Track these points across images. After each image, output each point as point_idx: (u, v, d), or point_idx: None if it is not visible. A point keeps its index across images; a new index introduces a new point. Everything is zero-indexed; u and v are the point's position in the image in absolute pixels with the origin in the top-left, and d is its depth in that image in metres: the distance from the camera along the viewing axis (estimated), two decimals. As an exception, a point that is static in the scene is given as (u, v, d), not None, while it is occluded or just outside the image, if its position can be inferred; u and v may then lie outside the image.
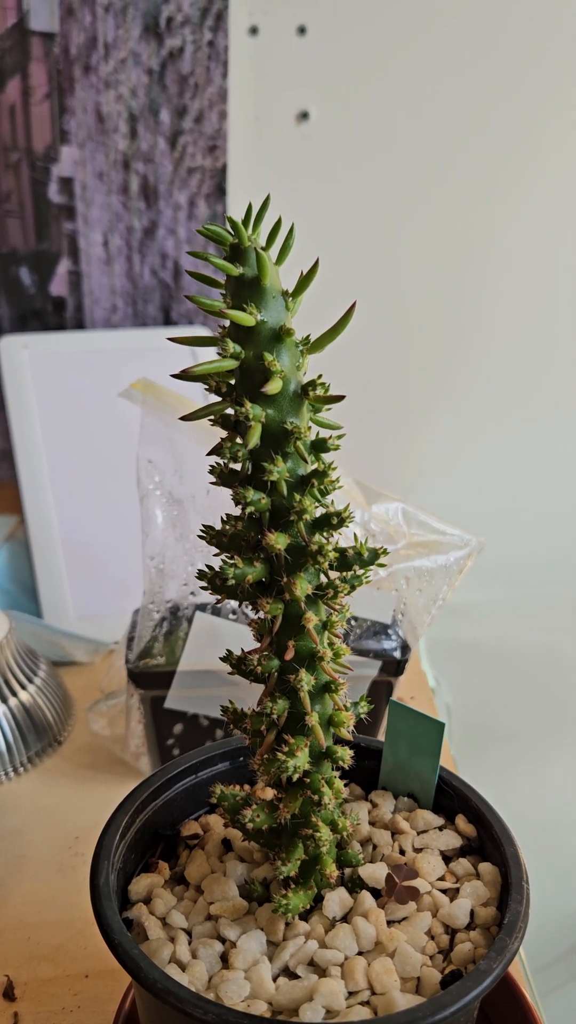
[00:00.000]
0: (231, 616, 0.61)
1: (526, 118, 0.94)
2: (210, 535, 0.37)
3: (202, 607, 0.61)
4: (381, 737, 0.61)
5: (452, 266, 0.99)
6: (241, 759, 0.46)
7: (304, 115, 0.94)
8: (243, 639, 0.60)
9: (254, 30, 0.91)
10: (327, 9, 0.90)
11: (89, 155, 0.94)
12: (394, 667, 0.62)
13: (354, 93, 0.93)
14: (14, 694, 0.67)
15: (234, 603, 0.62)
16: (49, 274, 0.98)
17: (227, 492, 0.36)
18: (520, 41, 0.91)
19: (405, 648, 0.62)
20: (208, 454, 0.35)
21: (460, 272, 0.99)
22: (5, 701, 0.66)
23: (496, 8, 0.90)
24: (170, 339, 0.34)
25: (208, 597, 0.62)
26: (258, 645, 0.37)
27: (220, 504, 0.60)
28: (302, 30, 0.91)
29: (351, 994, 0.35)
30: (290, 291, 0.35)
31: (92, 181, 0.95)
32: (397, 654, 0.62)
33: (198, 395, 0.88)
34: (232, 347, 0.34)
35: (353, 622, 0.62)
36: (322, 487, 0.35)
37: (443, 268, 0.99)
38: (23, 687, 0.67)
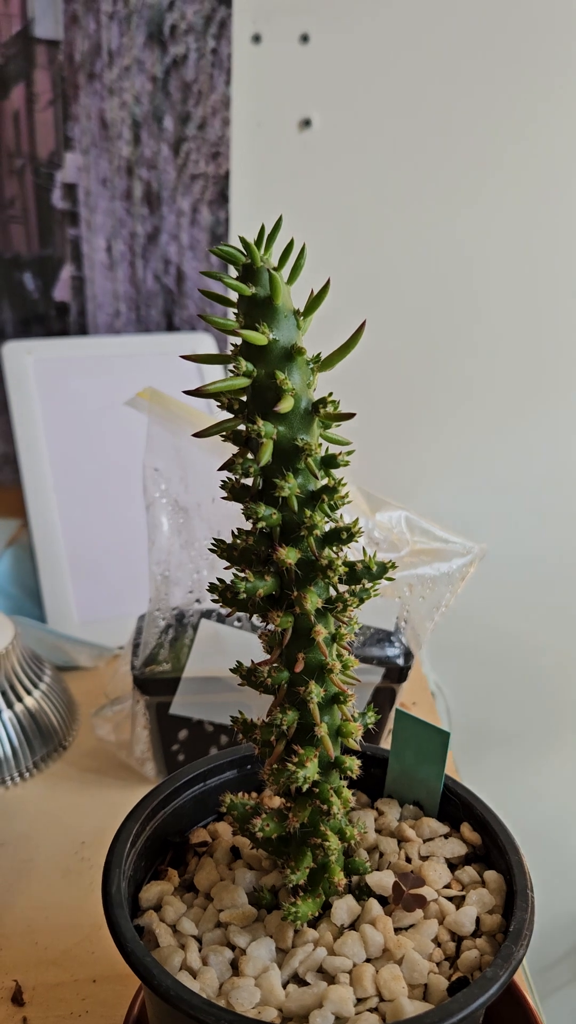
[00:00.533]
0: (236, 623, 0.62)
1: (530, 126, 0.94)
2: (221, 549, 0.38)
3: (207, 614, 0.62)
4: (384, 743, 0.62)
5: (455, 271, 1.00)
6: (249, 767, 0.46)
7: (306, 122, 0.94)
8: (248, 646, 0.60)
9: (257, 38, 0.91)
10: (329, 17, 0.91)
11: (93, 161, 0.94)
12: (397, 674, 0.62)
13: (356, 100, 0.94)
14: (19, 699, 0.67)
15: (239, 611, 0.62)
16: (52, 279, 0.98)
17: (243, 515, 0.36)
18: (523, 49, 0.92)
19: (408, 655, 0.63)
20: (220, 469, 0.36)
21: (463, 278, 1.00)
22: (10, 706, 0.66)
23: (498, 16, 0.90)
24: (183, 357, 0.35)
25: (213, 604, 0.62)
26: (267, 656, 0.38)
27: (226, 513, 0.61)
28: (305, 38, 0.91)
29: (360, 1001, 0.36)
30: (301, 310, 0.35)
31: (96, 187, 0.95)
32: (400, 661, 0.62)
33: (204, 405, 0.88)
34: (245, 366, 0.34)
35: (357, 630, 0.63)
36: (332, 502, 0.36)
37: (446, 273, 1.00)
38: (28, 692, 0.68)
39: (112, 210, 0.96)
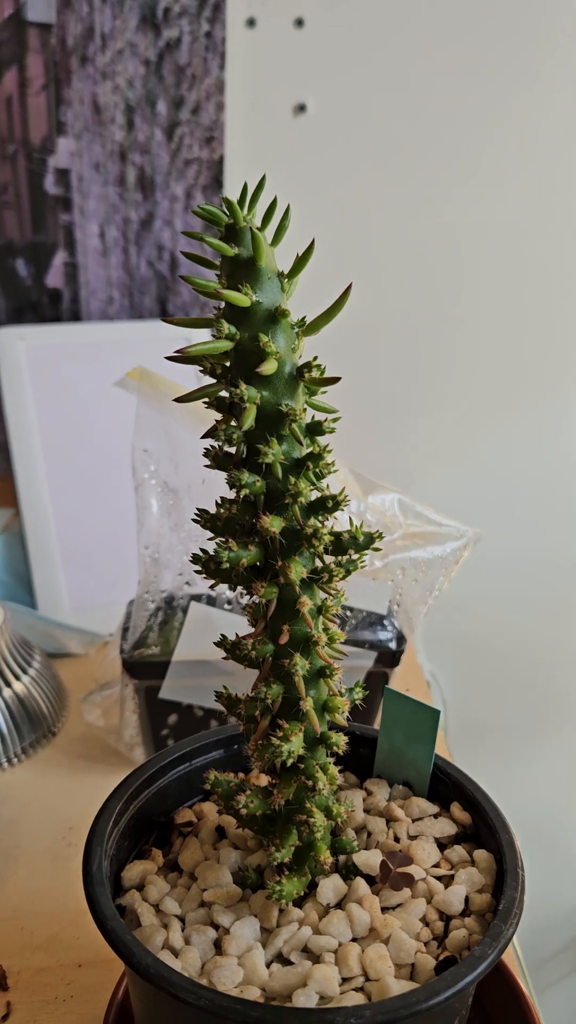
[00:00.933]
0: (226, 606, 0.61)
1: (525, 110, 0.94)
2: (204, 519, 0.37)
3: (197, 597, 0.61)
4: (376, 727, 0.61)
5: (450, 257, 0.99)
6: (235, 747, 0.46)
7: (301, 107, 0.93)
8: (238, 629, 0.59)
9: (252, 22, 0.90)
10: (325, 1, 0.90)
11: (86, 146, 0.93)
12: (390, 658, 0.61)
13: (351, 85, 0.93)
14: (8, 685, 0.66)
15: (230, 593, 0.61)
16: (45, 266, 0.98)
17: (223, 482, 0.36)
18: (520, 33, 0.91)
19: (401, 639, 0.62)
20: (203, 437, 0.35)
21: (458, 264, 0.99)
22: (-1, 692, 0.66)
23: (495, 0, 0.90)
24: (164, 320, 0.34)
25: (203, 587, 0.62)
26: (252, 630, 0.37)
27: (216, 493, 0.60)
28: (300, 22, 0.91)
29: (345, 980, 0.35)
30: (285, 272, 0.35)
31: (89, 172, 0.94)
32: (393, 645, 0.61)
33: (193, 383, 0.87)
34: (227, 328, 0.33)
35: (349, 612, 0.62)
36: (317, 470, 0.35)
37: (441, 259, 0.99)
38: (17, 678, 0.67)
39: (105, 195, 0.95)
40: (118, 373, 0.63)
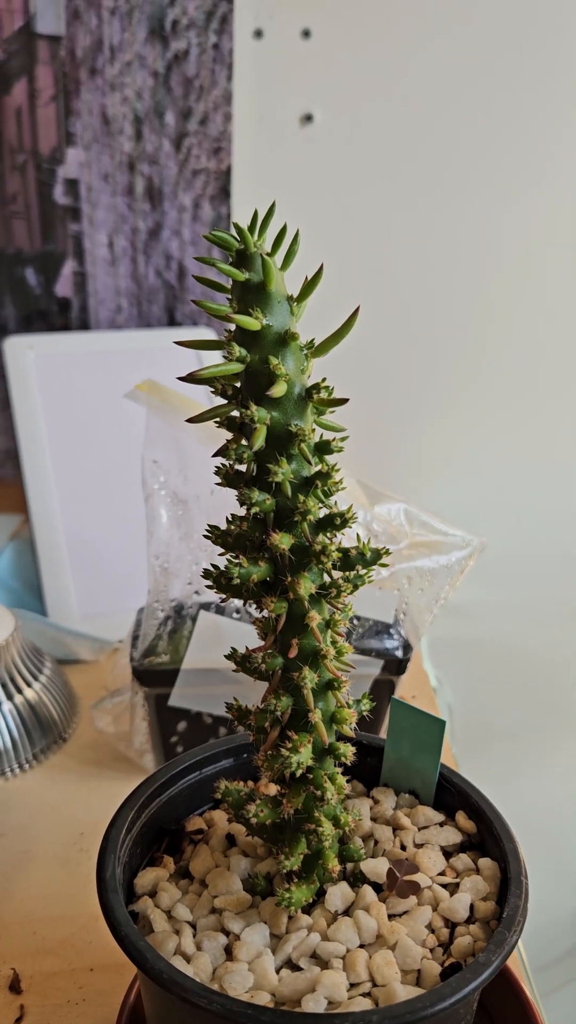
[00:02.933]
0: (235, 615, 0.62)
1: (533, 123, 0.94)
2: (215, 535, 0.38)
3: (206, 606, 0.62)
4: (383, 735, 0.62)
5: (455, 269, 1.00)
6: (245, 755, 0.46)
7: (308, 118, 0.94)
8: (247, 638, 0.60)
9: (259, 33, 0.91)
10: (331, 12, 0.91)
11: (95, 157, 0.94)
12: (396, 666, 0.62)
13: (358, 96, 0.94)
14: (19, 691, 0.67)
15: (238, 602, 0.62)
16: (54, 275, 0.99)
17: (231, 492, 0.37)
18: (526, 44, 0.92)
19: (407, 647, 0.63)
20: (214, 455, 0.36)
21: (463, 275, 1.00)
22: (11, 698, 0.67)
23: (502, 10, 0.90)
24: (177, 343, 0.35)
25: (212, 596, 0.63)
26: (262, 643, 0.38)
27: (224, 504, 0.61)
28: (306, 33, 0.92)
29: (353, 986, 0.36)
30: (295, 296, 0.35)
31: (97, 183, 0.95)
32: (399, 653, 0.62)
33: (202, 396, 0.88)
34: (238, 351, 0.34)
35: (355, 621, 0.63)
36: (326, 488, 0.36)
37: (446, 271, 1.00)
38: (28, 684, 0.68)
39: (114, 206, 0.96)
40: (127, 381, 0.64)
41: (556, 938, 1.18)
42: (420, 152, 0.96)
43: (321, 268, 0.35)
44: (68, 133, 0.94)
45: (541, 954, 1.17)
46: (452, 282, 1.00)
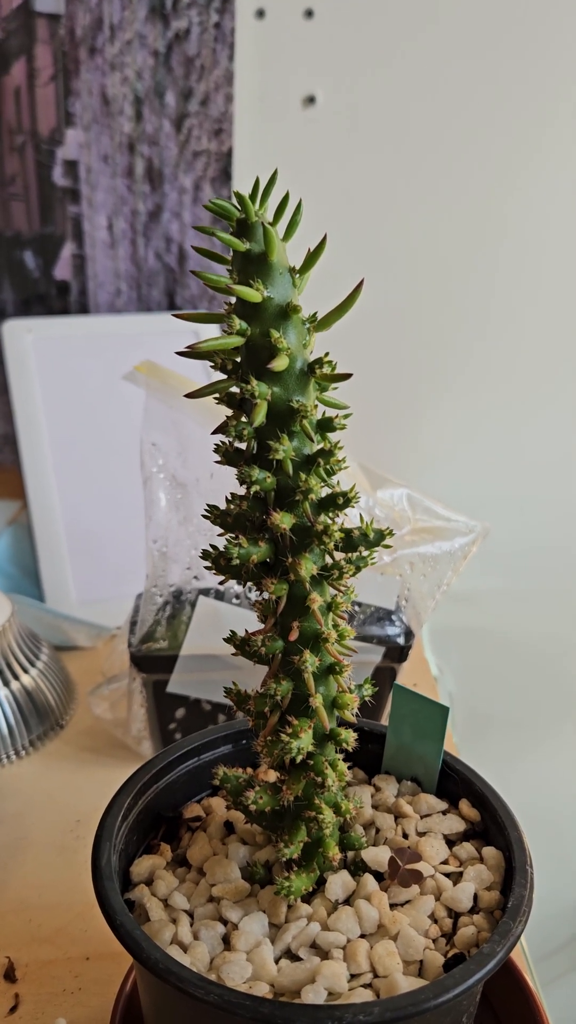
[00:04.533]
0: (234, 601, 0.61)
1: (537, 101, 0.93)
2: (214, 515, 0.37)
3: (205, 591, 0.61)
4: (384, 723, 0.61)
5: (460, 252, 0.98)
6: (244, 742, 0.46)
7: (311, 99, 0.93)
8: (246, 623, 0.59)
9: (261, 12, 0.90)
10: (335, -9, 0.89)
11: (94, 138, 0.93)
12: (398, 653, 0.61)
13: (361, 77, 0.92)
14: (16, 678, 0.66)
15: (238, 588, 0.61)
16: (53, 258, 0.98)
17: (231, 476, 0.35)
18: (531, 23, 0.90)
19: (409, 634, 0.62)
20: (213, 432, 0.35)
21: (468, 259, 0.99)
22: (7, 684, 0.66)
23: (505, -9, 0.89)
24: (175, 315, 0.34)
25: (212, 581, 0.62)
26: (262, 626, 0.37)
27: (224, 487, 0.60)
28: (309, 13, 0.90)
29: (353, 976, 0.35)
30: (297, 268, 0.34)
31: (97, 164, 0.94)
32: (401, 640, 0.61)
33: (202, 377, 0.87)
34: (238, 324, 0.33)
35: (357, 608, 0.62)
36: (328, 467, 0.35)
37: (451, 254, 0.98)
38: (25, 671, 0.67)
39: (113, 187, 0.95)
40: (126, 366, 0.63)
41: (557, 927, 1.17)
42: (423, 133, 0.94)
43: (324, 239, 0.34)
44: (67, 113, 0.92)
45: (543, 943, 1.17)
46: (457, 265, 0.99)
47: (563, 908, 1.18)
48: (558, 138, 0.94)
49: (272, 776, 0.41)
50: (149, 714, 0.63)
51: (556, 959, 1.17)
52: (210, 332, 0.93)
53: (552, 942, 1.17)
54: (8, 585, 0.83)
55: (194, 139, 0.93)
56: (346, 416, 0.35)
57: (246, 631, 0.37)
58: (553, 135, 0.94)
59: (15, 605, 0.69)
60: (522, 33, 0.91)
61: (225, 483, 0.57)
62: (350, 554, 0.37)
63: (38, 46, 0.90)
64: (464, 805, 0.42)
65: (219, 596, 0.61)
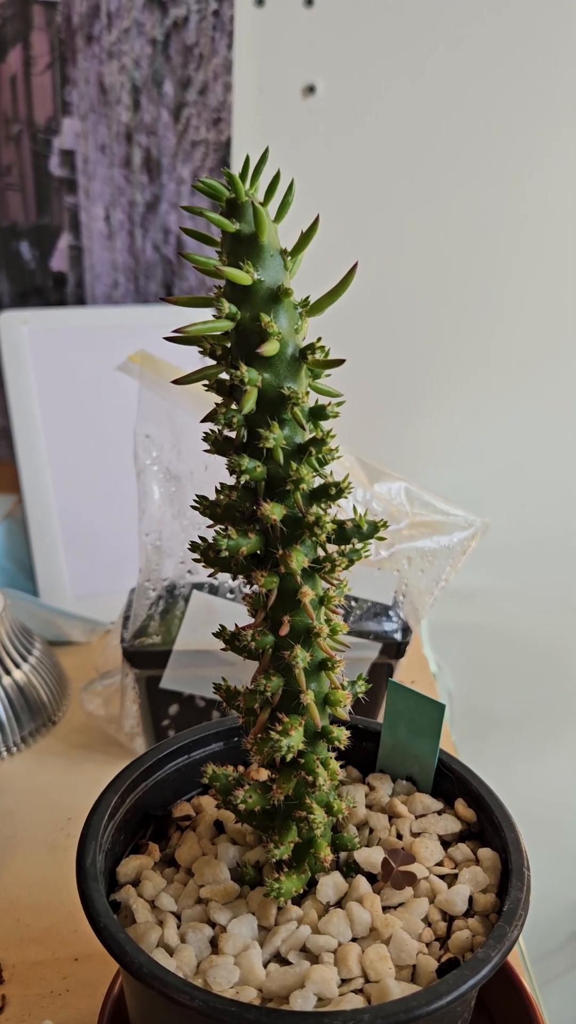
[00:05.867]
0: (228, 595, 0.60)
1: (539, 90, 0.92)
2: (204, 505, 0.36)
3: (199, 586, 0.60)
4: (380, 720, 0.60)
5: (461, 240, 0.97)
6: (235, 739, 0.45)
7: (310, 88, 0.92)
8: (240, 618, 0.58)
9: (260, 0, 0.89)
10: (335, -21, 0.88)
11: (91, 127, 0.92)
12: (395, 649, 0.60)
13: (361, 66, 0.91)
14: (8, 673, 0.65)
15: (232, 582, 0.60)
16: (50, 249, 0.96)
17: (226, 468, 0.34)
18: (533, 14, 0.89)
19: (406, 630, 0.61)
20: (202, 420, 0.34)
21: (469, 247, 0.98)
22: (-1, 680, 0.65)
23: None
24: (164, 299, 0.33)
25: (205, 575, 0.61)
26: (252, 621, 0.36)
27: (219, 480, 0.59)
28: (309, 1, 0.89)
29: (344, 981, 0.34)
30: (289, 250, 0.33)
31: (94, 154, 0.93)
32: (398, 636, 0.60)
33: (196, 367, 0.86)
34: (228, 307, 0.32)
35: (353, 603, 0.61)
36: (320, 456, 0.34)
37: (451, 242, 0.97)
38: (17, 666, 0.66)
39: (111, 177, 0.94)
40: (122, 358, 0.62)
41: (554, 927, 1.16)
42: (423, 122, 0.93)
43: (317, 220, 0.33)
44: (64, 102, 0.91)
45: (539, 943, 1.16)
46: (457, 254, 0.98)
47: (561, 907, 1.17)
48: (561, 126, 0.93)
49: (263, 775, 0.40)
50: (142, 710, 0.62)
51: (554, 959, 1.16)
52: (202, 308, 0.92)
53: (550, 942, 1.16)
54: (2, 579, 0.82)
55: (192, 129, 0.92)
56: (339, 404, 0.34)
57: (236, 625, 0.36)
58: (556, 123, 0.93)
59: (8, 599, 0.68)
60: (526, 22, 0.89)
61: (220, 476, 0.56)
62: (343, 546, 0.36)
63: (34, 33, 0.89)
64: (460, 805, 0.41)
65: (213, 590, 0.60)
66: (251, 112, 0.92)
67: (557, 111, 0.93)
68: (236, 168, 0.88)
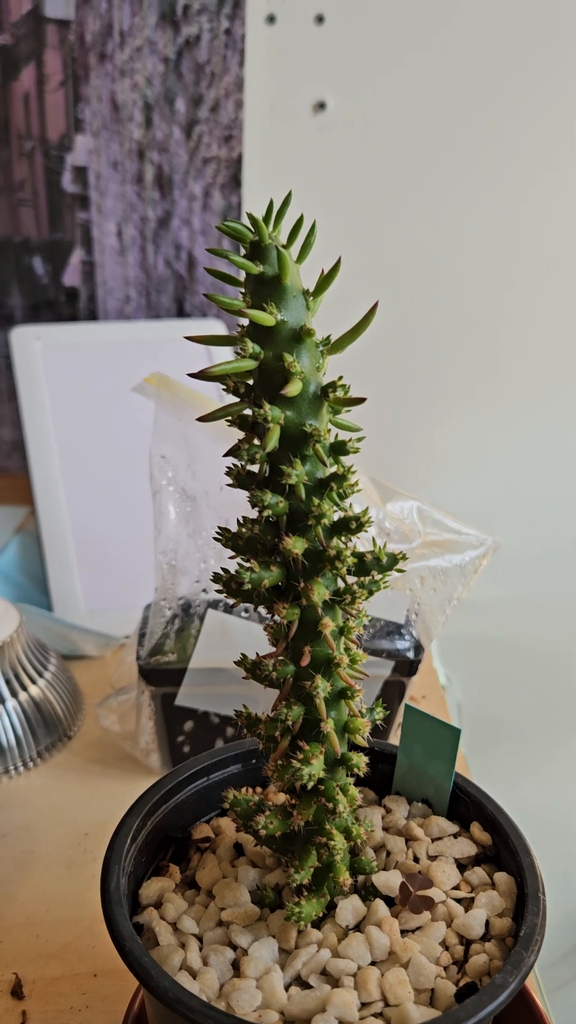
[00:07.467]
0: (243, 614, 0.60)
1: (550, 109, 0.92)
2: (226, 537, 0.36)
3: (214, 604, 0.61)
4: (393, 738, 0.61)
5: (472, 261, 0.98)
6: (253, 761, 0.45)
7: (321, 105, 0.92)
8: (255, 637, 0.59)
9: (271, 18, 0.90)
10: (346, -3, 0.89)
11: (104, 144, 0.93)
12: (407, 667, 0.61)
13: (372, 83, 0.92)
14: (24, 688, 0.66)
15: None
16: (62, 264, 0.97)
17: (248, 502, 0.35)
18: (543, 29, 0.90)
19: (418, 648, 0.62)
20: (225, 455, 0.35)
21: (480, 268, 0.98)
22: (15, 695, 0.65)
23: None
24: (187, 338, 0.34)
25: (220, 594, 0.61)
26: (273, 649, 0.37)
27: (234, 501, 0.59)
28: (320, 19, 0.90)
29: (364, 1005, 0.34)
30: (310, 290, 0.34)
31: (106, 170, 0.94)
32: (410, 654, 0.61)
33: (212, 391, 0.87)
34: (251, 347, 0.33)
35: (367, 622, 0.62)
36: (341, 491, 0.35)
37: (462, 263, 0.98)
38: (33, 681, 0.67)
39: (123, 194, 0.95)
40: (135, 373, 0.62)
41: (563, 935, 1.17)
42: (434, 139, 0.94)
43: (339, 262, 0.33)
44: (77, 120, 0.92)
45: (548, 951, 1.16)
46: (466, 275, 0.99)
47: (569, 915, 1.17)
48: (574, 142, 0.94)
49: (282, 797, 0.41)
50: (157, 726, 0.62)
51: (562, 966, 1.16)
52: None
53: (558, 949, 1.17)
54: (16, 594, 0.83)
55: (204, 146, 0.93)
56: (359, 440, 0.35)
57: (257, 654, 0.37)
58: (568, 139, 0.94)
59: (23, 615, 0.69)
60: (535, 36, 0.90)
61: (235, 497, 0.57)
62: (363, 578, 0.36)
63: (48, 52, 0.90)
64: (475, 828, 0.42)
65: (228, 609, 0.60)
66: (262, 129, 0.93)
67: (569, 127, 0.93)
68: (247, 186, 0.88)
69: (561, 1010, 1.15)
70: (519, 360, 1.02)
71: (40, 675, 0.68)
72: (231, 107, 0.92)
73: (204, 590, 0.61)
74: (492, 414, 1.05)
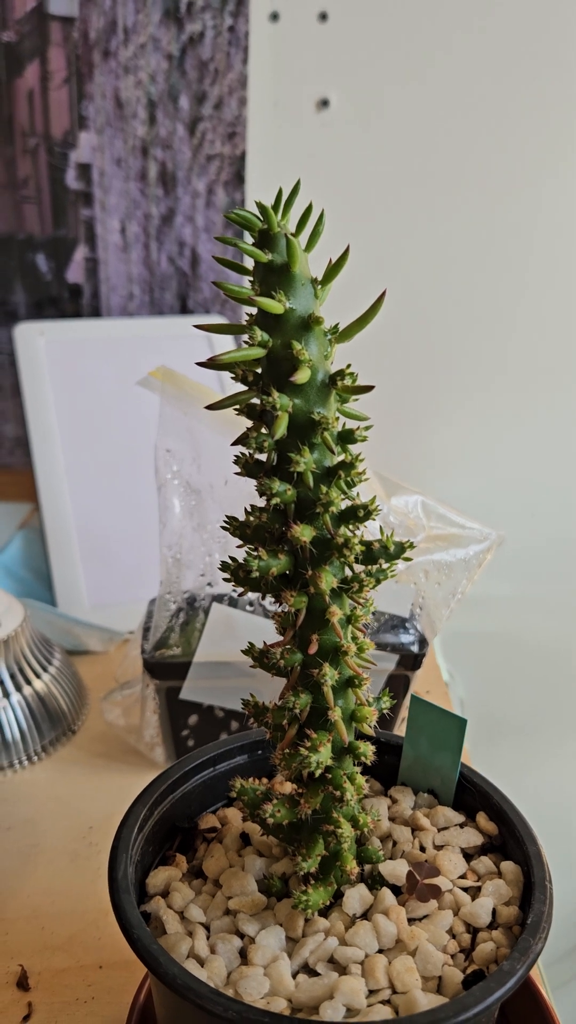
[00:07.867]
0: (248, 608, 0.61)
1: (556, 106, 0.92)
2: (234, 526, 0.37)
3: (219, 598, 0.61)
4: (398, 731, 0.61)
5: (478, 256, 0.98)
6: (260, 752, 0.45)
7: (324, 102, 0.93)
8: (260, 631, 0.59)
9: (275, 16, 0.90)
10: (349, -6, 0.89)
11: (107, 141, 0.93)
12: (411, 661, 0.61)
13: (375, 80, 0.92)
14: (28, 683, 0.66)
15: (252, 594, 0.61)
16: (66, 261, 0.97)
17: (246, 482, 0.35)
18: (549, 26, 0.90)
19: (423, 642, 0.62)
20: (233, 444, 0.35)
21: (486, 263, 0.98)
22: (20, 689, 0.66)
23: (521, -6, 0.89)
24: (196, 326, 0.34)
25: (225, 588, 0.61)
26: (280, 638, 0.37)
27: (239, 494, 0.59)
28: (323, 16, 0.90)
29: (372, 992, 0.35)
30: (318, 279, 0.34)
31: (110, 167, 0.94)
32: (415, 648, 0.61)
33: (217, 384, 0.87)
34: (260, 335, 0.33)
35: (371, 616, 0.62)
36: (348, 479, 0.35)
37: (468, 258, 0.98)
38: (38, 676, 0.67)
39: (126, 191, 0.95)
40: (138, 369, 0.62)
41: (567, 932, 1.17)
42: (439, 137, 0.94)
43: (347, 250, 0.33)
44: (81, 116, 0.92)
45: (551, 947, 1.16)
46: (471, 270, 0.99)
47: (572, 913, 1.17)
48: None
49: (288, 787, 0.41)
50: (162, 720, 0.62)
51: (567, 962, 1.16)
52: (222, 338, 0.93)
53: (563, 945, 1.17)
54: (20, 589, 0.83)
55: (208, 143, 0.93)
56: (367, 428, 0.35)
57: (264, 643, 0.37)
58: (573, 137, 0.94)
59: (27, 610, 0.69)
60: (540, 32, 0.90)
61: (240, 490, 0.57)
62: (370, 567, 0.36)
63: (52, 49, 0.90)
64: (481, 818, 0.42)
65: (233, 603, 0.61)
66: (266, 126, 0.93)
67: (574, 124, 0.93)
68: (251, 183, 0.88)
69: (565, 1006, 1.14)
70: (525, 355, 1.02)
71: (44, 670, 0.68)
72: (235, 104, 0.92)
73: (209, 584, 0.62)
74: (498, 409, 1.05)
